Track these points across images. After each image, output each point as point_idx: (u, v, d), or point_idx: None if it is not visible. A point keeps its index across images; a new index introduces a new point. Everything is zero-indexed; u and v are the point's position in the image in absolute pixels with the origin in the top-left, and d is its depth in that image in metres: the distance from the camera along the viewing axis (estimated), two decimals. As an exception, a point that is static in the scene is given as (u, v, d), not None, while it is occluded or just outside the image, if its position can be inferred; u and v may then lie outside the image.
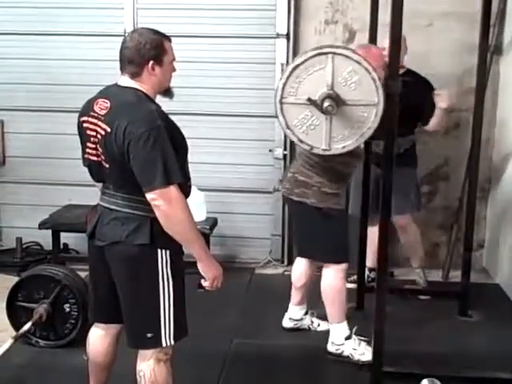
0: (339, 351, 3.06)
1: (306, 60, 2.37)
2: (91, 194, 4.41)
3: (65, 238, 4.39)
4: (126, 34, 2.33)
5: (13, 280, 3.43)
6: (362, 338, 3.07)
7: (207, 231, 4.09)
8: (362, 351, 3.02)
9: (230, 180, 4.47)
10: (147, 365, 2.29)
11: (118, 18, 4.39)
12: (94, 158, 2.28)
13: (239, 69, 4.36)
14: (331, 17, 4.29)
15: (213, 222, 4.22)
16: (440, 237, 4.46)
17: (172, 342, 2.27)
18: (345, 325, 3.09)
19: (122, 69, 2.31)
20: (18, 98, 4.58)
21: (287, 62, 4.30)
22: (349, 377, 2.97)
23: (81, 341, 3.15)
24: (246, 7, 4.30)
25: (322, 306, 3.14)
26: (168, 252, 2.24)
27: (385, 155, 2.58)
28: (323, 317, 3.38)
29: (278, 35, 4.31)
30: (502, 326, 3.50)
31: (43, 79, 4.50)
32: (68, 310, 3.16)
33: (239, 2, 4.31)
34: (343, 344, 3.05)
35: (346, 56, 2.37)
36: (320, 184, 2.92)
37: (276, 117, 2.43)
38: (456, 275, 3.97)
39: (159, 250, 2.23)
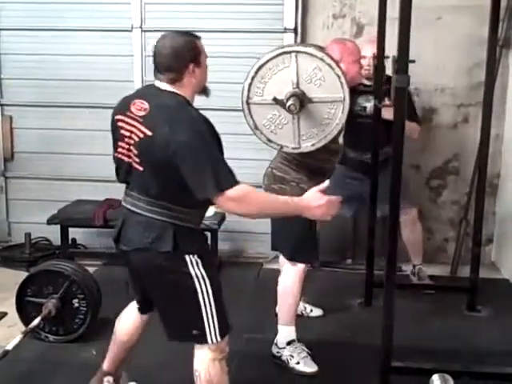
0: (279, 354, 3.04)
1: (269, 60, 2.36)
2: (99, 190, 4.49)
3: (73, 233, 4.41)
4: (157, 42, 2.29)
5: (22, 275, 3.44)
6: (305, 349, 3.04)
7: (215, 226, 4.09)
8: (297, 360, 2.99)
9: (238, 175, 4.44)
10: (202, 364, 2.29)
11: (125, 13, 4.40)
12: (125, 159, 2.26)
13: (247, 63, 4.26)
14: (339, 11, 4.27)
15: (221, 218, 4.22)
16: (448, 232, 4.45)
17: (219, 339, 2.26)
18: (291, 329, 3.04)
19: (158, 76, 2.27)
20: (27, 94, 4.59)
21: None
22: (358, 370, 2.96)
23: (90, 336, 3.18)
24: (253, 2, 4.29)
25: (316, 291, 3.09)
26: (195, 255, 2.24)
27: (394, 149, 2.57)
28: (319, 302, 3.43)
29: (286, 30, 4.29)
30: (511, 321, 3.49)
31: (51, 75, 4.51)
32: (77, 305, 3.17)
33: (246, -4, 4.31)
34: (284, 348, 3.03)
35: (310, 54, 2.34)
36: (298, 180, 2.89)
37: (244, 114, 2.39)
38: (465, 270, 3.95)
39: (186, 256, 2.22)
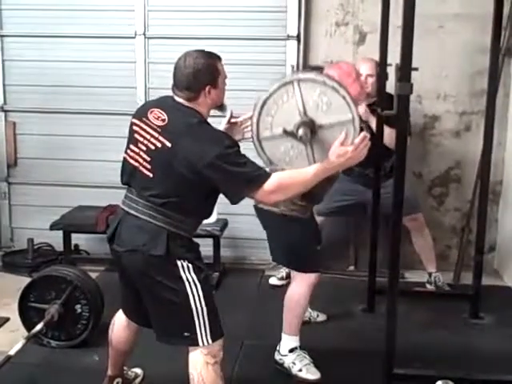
0: (281, 361, 3.05)
1: (272, 93, 2.35)
2: (102, 196, 4.49)
3: (76, 239, 4.41)
4: (179, 59, 2.36)
5: (24, 281, 3.44)
6: (307, 357, 3.03)
7: (218, 233, 4.10)
8: (299, 367, 2.99)
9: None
10: (195, 368, 2.32)
11: (128, 20, 4.42)
12: (133, 162, 2.32)
13: (249, 70, 4.36)
14: (342, 19, 4.29)
15: (223, 224, 4.22)
16: (451, 239, 4.45)
17: (210, 342, 2.30)
18: (295, 338, 3.04)
19: (176, 92, 2.34)
20: (30, 100, 4.60)
21: (297, 63, 4.32)
22: (361, 377, 2.96)
23: (92, 341, 3.18)
24: (256, 9, 4.30)
25: (319, 297, 3.07)
26: (187, 260, 2.28)
27: (397, 156, 2.59)
28: (322, 309, 3.42)
29: (289, 37, 4.31)
30: (513, 329, 3.49)
31: (55, 81, 4.53)
32: (79, 310, 3.18)
33: (250, 3, 4.32)
34: (286, 355, 3.03)
35: (311, 79, 2.33)
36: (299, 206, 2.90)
37: (257, 152, 2.41)
38: (467, 277, 3.95)
39: (178, 261, 2.27)
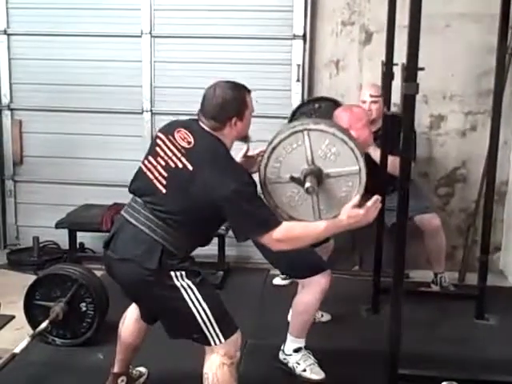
0: (286, 361, 3.04)
1: (282, 140, 2.40)
2: (107, 194, 4.50)
3: (81, 237, 4.42)
4: (208, 88, 2.39)
5: (30, 279, 3.46)
6: (311, 357, 3.02)
7: (223, 232, 4.10)
8: (303, 367, 2.99)
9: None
10: (211, 368, 2.32)
11: (134, 18, 4.42)
12: (148, 174, 2.34)
13: (255, 70, 4.36)
14: (348, 18, 4.28)
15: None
16: (456, 239, 4.44)
17: (222, 340, 2.30)
18: (301, 341, 3.03)
19: (203, 119, 2.36)
20: (36, 98, 4.62)
21: (303, 63, 4.31)
22: (365, 377, 2.95)
23: (97, 340, 3.19)
24: (262, 8, 4.30)
25: (324, 297, 3.05)
26: (180, 270, 2.28)
27: (402, 158, 2.58)
28: (326, 309, 3.41)
29: (295, 36, 4.30)
30: (519, 330, 3.48)
31: (61, 79, 4.54)
32: (84, 309, 3.18)
33: (256, 3, 4.32)
34: (290, 355, 3.03)
35: (321, 130, 2.38)
36: None
37: (263, 195, 2.45)
38: (472, 278, 3.94)
39: (171, 272, 2.27)
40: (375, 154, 3.48)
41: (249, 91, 2.41)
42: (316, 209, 2.43)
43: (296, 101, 4.32)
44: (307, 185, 2.33)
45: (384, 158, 3.50)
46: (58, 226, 4.25)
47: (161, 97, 4.51)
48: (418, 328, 3.40)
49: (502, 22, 3.30)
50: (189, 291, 2.26)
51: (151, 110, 4.52)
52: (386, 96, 3.46)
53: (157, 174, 2.31)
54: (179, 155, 2.29)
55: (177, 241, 2.29)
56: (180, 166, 2.27)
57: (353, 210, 2.31)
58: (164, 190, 2.29)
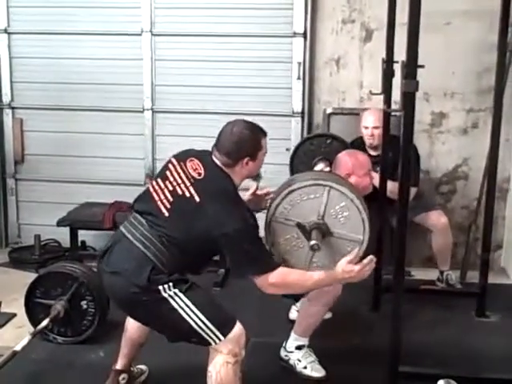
0: (287, 358, 3.05)
1: (302, 187, 2.46)
2: (108, 192, 4.51)
3: (82, 235, 4.43)
4: (227, 124, 2.43)
5: (31, 277, 3.46)
6: (313, 355, 3.02)
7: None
8: (304, 365, 2.99)
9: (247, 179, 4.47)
10: (214, 367, 2.33)
11: (135, 17, 4.43)
12: (154, 195, 2.37)
13: (256, 67, 4.37)
14: (348, 16, 4.28)
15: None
16: (458, 237, 4.42)
17: (222, 338, 2.30)
18: (304, 339, 3.03)
19: (216, 154, 2.40)
20: (37, 97, 4.63)
21: (304, 60, 4.31)
22: (366, 375, 2.95)
23: (97, 337, 3.19)
24: (263, 6, 4.30)
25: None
26: (167, 283, 2.28)
27: (402, 155, 2.58)
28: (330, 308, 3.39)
29: (295, 34, 4.30)
30: (520, 327, 3.48)
31: (62, 78, 4.55)
32: (85, 307, 3.19)
33: (256, 1, 4.32)
34: (292, 352, 3.03)
35: (342, 192, 2.45)
36: None
37: (264, 231, 2.51)
38: (474, 275, 3.93)
39: (159, 286, 2.27)
40: (376, 179, 3.48)
41: (265, 134, 2.46)
42: (308, 259, 2.51)
43: (296, 99, 4.33)
44: (312, 242, 2.39)
45: (382, 180, 3.54)
46: (60, 224, 4.25)
47: (161, 95, 4.51)
48: (419, 325, 3.40)
49: (502, 19, 3.29)
50: (176, 299, 2.27)
51: (152, 109, 4.53)
52: (387, 94, 3.46)
53: (162, 197, 2.35)
54: (188, 184, 2.32)
55: (168, 261, 2.29)
56: (187, 194, 2.31)
57: (348, 266, 2.35)
58: (167, 214, 2.32)
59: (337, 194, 2.45)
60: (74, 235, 4.29)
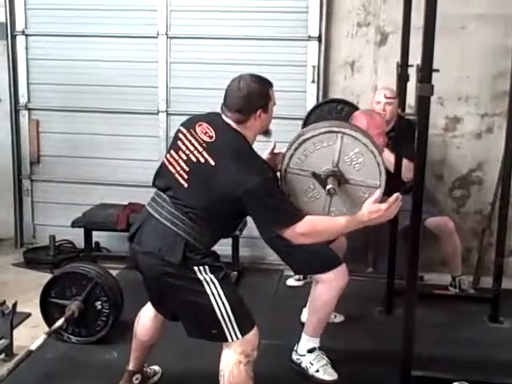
0: (299, 361, 3.04)
1: (316, 135, 2.43)
2: (123, 194, 4.54)
3: (96, 236, 4.45)
4: (232, 81, 2.41)
5: (46, 277, 3.49)
6: (325, 358, 3.02)
7: (237, 232, 4.11)
8: (316, 368, 2.99)
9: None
10: (227, 366, 2.34)
11: (151, 19, 4.45)
12: (170, 168, 2.35)
13: (271, 71, 4.28)
14: (363, 19, 4.28)
15: (242, 223, 4.23)
16: (471, 242, 4.41)
17: (239, 337, 2.31)
18: (315, 340, 3.03)
19: (226, 113, 2.37)
20: (53, 99, 4.67)
21: (318, 64, 4.32)
22: (378, 379, 2.95)
23: (111, 338, 3.22)
24: (278, 9, 4.31)
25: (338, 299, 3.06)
26: (203, 264, 2.29)
27: (417, 160, 2.58)
28: (340, 310, 3.39)
29: (310, 37, 4.31)
30: (533, 333, 3.46)
31: (78, 80, 4.58)
32: (99, 307, 3.21)
33: (271, 4, 4.33)
34: (304, 355, 3.03)
35: (355, 138, 2.41)
36: None
37: (280, 183, 2.48)
38: (487, 281, 3.92)
39: (194, 266, 2.28)
40: (388, 157, 3.47)
41: (271, 85, 2.43)
42: (326, 209, 2.46)
43: (311, 102, 4.33)
44: (329, 186, 2.36)
45: (397, 160, 3.50)
46: (74, 225, 4.28)
47: (176, 97, 4.53)
48: (432, 330, 3.38)
49: (518, 23, 3.28)
50: (211, 285, 2.28)
51: (167, 111, 4.55)
52: (401, 98, 3.46)
53: (178, 168, 2.32)
54: (201, 149, 2.29)
55: (199, 235, 2.29)
56: (202, 160, 2.27)
57: (374, 205, 2.30)
58: (186, 185, 2.29)
59: (350, 140, 2.40)
60: (88, 236, 4.31)
